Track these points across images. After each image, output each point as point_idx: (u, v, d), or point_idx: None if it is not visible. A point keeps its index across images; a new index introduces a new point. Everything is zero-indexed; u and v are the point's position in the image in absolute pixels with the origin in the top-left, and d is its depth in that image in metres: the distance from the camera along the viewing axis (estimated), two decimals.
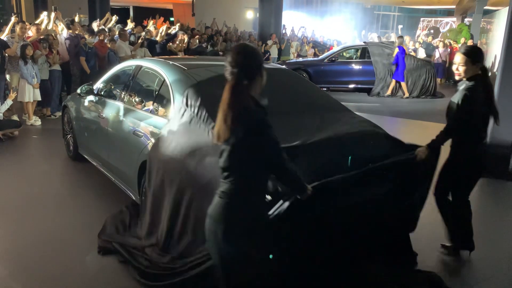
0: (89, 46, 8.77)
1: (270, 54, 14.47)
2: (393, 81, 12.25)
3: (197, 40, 12.69)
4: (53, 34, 8.79)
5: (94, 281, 3.18)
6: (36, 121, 7.96)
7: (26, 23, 8.67)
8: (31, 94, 7.75)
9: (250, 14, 22.59)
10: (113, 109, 4.50)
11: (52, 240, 3.74)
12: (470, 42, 15.88)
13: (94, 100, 5.00)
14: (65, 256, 3.49)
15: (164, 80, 3.86)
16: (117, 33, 10.14)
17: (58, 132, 6.56)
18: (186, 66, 4.01)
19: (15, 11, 18.57)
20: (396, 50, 12.14)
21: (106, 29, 10.07)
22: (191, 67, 4.03)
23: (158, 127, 3.60)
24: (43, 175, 5.45)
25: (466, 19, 24.79)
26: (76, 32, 9.25)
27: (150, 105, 4.04)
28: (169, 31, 12.68)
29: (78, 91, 5.23)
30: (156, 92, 4.03)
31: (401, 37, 12.95)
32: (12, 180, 5.20)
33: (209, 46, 11.86)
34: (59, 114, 7.82)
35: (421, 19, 30.03)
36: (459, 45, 15.91)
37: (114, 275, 3.25)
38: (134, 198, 4.06)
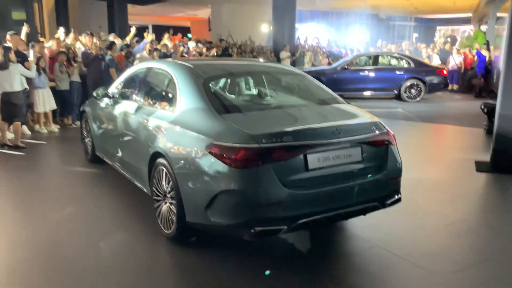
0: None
1: None
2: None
3: (215, 52, 13.12)
4: (72, 48, 9.26)
5: (106, 264, 3.45)
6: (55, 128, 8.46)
7: (43, 40, 9.17)
8: (46, 104, 8.17)
9: (265, 28, 22.98)
10: (125, 108, 4.80)
11: (68, 228, 4.05)
12: (484, 48, 15.85)
13: (109, 102, 5.32)
14: (77, 242, 3.77)
15: (172, 77, 4.13)
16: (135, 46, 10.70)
17: (77, 139, 6.92)
18: (192, 64, 4.28)
19: (39, 31, 19.37)
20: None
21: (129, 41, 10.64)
22: (196, 65, 4.30)
23: (165, 119, 3.86)
24: (64, 176, 5.80)
25: (482, 26, 24.66)
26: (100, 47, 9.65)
27: (159, 100, 4.30)
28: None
29: (94, 94, 5.56)
30: (165, 89, 4.31)
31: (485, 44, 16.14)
32: (33, 182, 5.55)
33: None
34: (79, 123, 8.20)
35: (438, 28, 29.95)
36: (474, 51, 15.91)
37: (124, 259, 3.51)
38: (145, 190, 4.30)
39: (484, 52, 15.32)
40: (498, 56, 13.82)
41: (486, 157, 6.23)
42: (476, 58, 15.28)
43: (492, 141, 6.04)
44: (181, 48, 12.06)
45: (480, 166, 6.04)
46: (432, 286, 3.12)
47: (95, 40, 9.81)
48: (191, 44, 13.62)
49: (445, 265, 3.39)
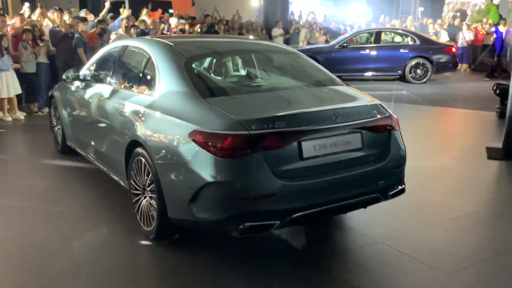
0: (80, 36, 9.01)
1: None
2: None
3: (198, 29, 13.04)
4: (38, 25, 9.14)
5: (80, 264, 3.43)
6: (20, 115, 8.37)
7: (6, 16, 9.05)
8: (10, 88, 8.06)
9: (254, 2, 22.88)
10: (99, 92, 4.75)
11: (38, 226, 4.02)
12: (502, 23, 15.86)
13: (81, 86, 5.26)
14: (48, 241, 3.75)
15: (150, 57, 4.09)
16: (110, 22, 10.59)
17: (46, 128, 6.86)
18: (173, 42, 4.24)
19: (0, 7, 19.05)
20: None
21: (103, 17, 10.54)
22: (178, 43, 4.26)
23: (143, 104, 3.83)
24: (31, 169, 5.75)
25: None
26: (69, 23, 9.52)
27: (136, 83, 4.27)
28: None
29: (64, 76, 5.50)
30: (143, 70, 4.27)
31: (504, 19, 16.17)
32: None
33: None
34: (47, 110, 8.14)
35: (446, 1, 29.92)
36: (488, 27, 15.95)
37: (100, 259, 3.50)
38: (122, 184, 4.28)
39: (502, 28, 15.37)
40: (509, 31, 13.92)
41: (499, 143, 6.28)
42: (494, 35, 15.33)
43: (505, 125, 6.09)
44: (162, 26, 11.97)
45: (491, 153, 6.09)
46: (439, 284, 3.15)
47: (66, 16, 9.68)
48: (173, 21, 13.49)
49: (453, 261, 3.42)
